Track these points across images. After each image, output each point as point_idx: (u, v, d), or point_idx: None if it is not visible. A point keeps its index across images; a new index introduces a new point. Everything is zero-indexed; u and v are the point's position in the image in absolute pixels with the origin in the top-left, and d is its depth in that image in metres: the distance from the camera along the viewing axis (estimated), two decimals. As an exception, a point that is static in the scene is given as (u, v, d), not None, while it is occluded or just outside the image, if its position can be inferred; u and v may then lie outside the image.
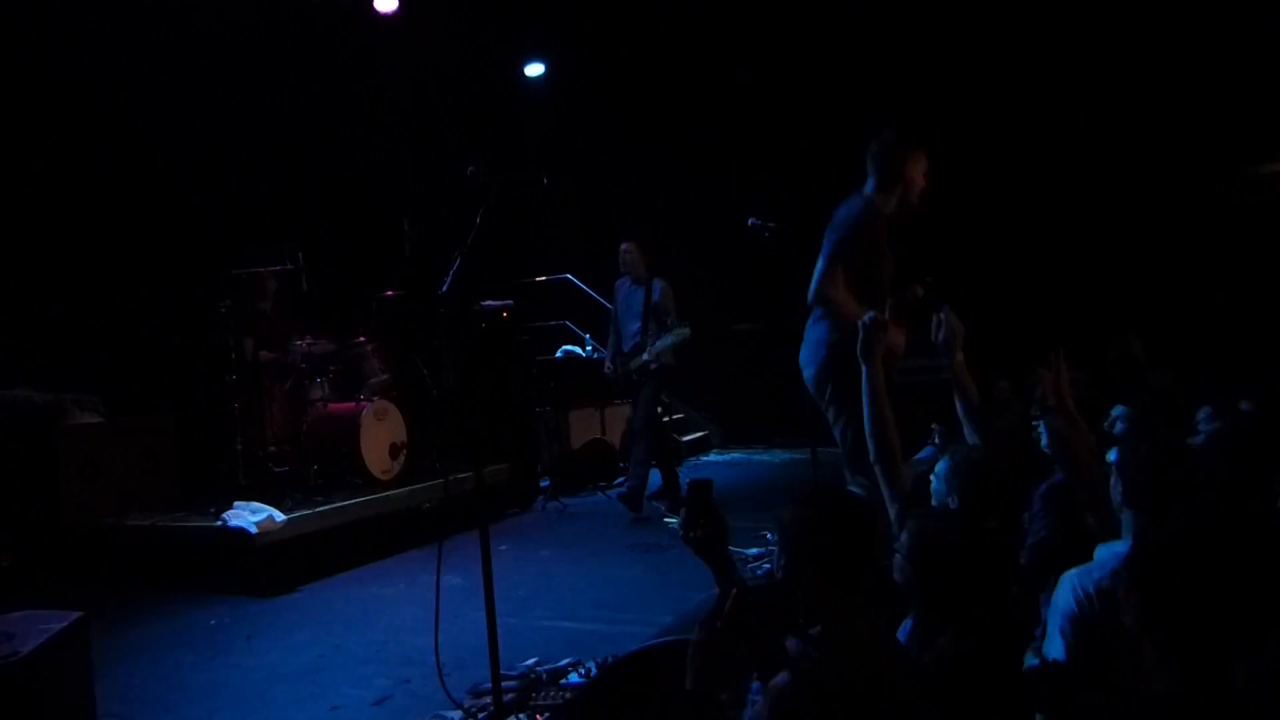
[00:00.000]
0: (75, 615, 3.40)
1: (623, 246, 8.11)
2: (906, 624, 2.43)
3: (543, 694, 3.95)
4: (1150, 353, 6.26)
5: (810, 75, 10.55)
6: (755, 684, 2.14)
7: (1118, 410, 4.12)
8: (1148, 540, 1.84)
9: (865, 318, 3.60)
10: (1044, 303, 8.99)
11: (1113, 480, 2.72)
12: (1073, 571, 2.47)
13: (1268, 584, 1.71)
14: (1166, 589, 1.70)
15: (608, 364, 8.21)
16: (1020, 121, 9.72)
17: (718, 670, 1.94)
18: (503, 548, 6.72)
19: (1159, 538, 1.82)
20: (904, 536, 2.48)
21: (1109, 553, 2.51)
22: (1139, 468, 2.60)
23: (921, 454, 5.52)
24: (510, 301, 8.73)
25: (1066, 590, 2.41)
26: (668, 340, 7.67)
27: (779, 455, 10.67)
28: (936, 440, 5.55)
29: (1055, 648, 2.40)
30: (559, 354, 10.05)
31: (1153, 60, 9.19)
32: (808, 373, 4.88)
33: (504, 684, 3.56)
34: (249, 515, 6.03)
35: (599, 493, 8.76)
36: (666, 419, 11.16)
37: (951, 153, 9.99)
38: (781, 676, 2.09)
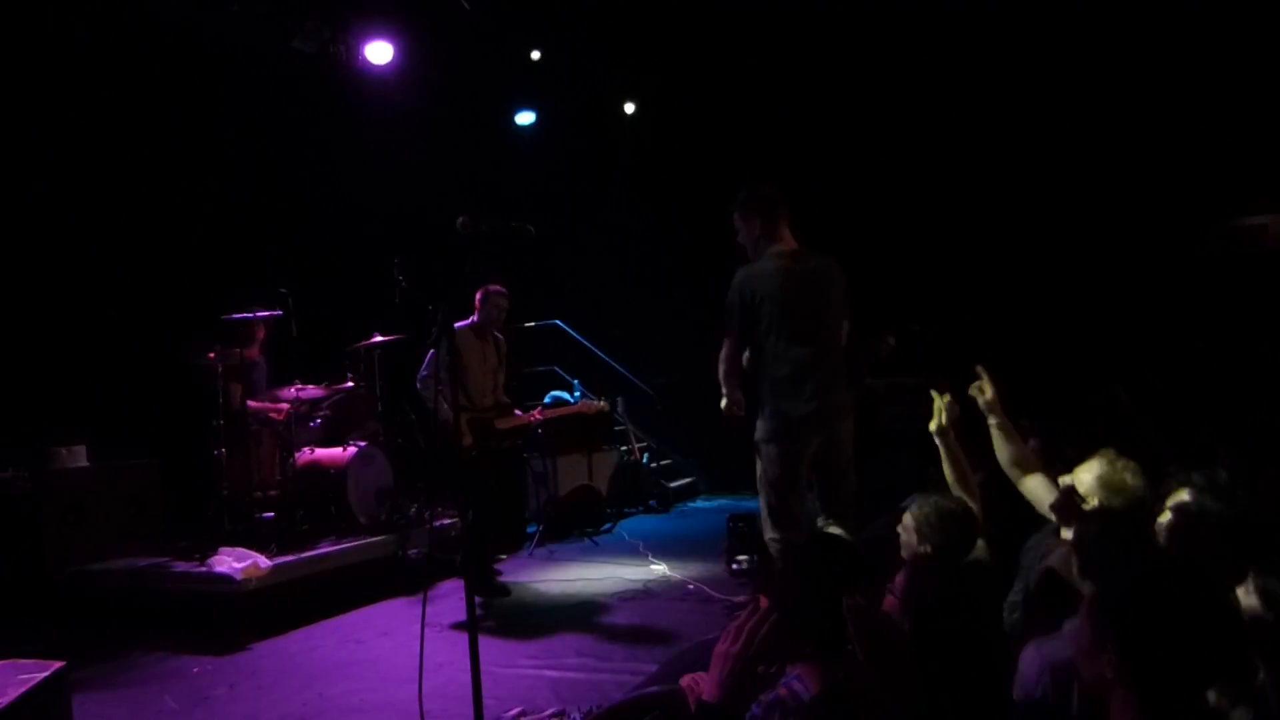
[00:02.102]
0: (56, 665, 3.38)
1: (497, 289, 6.76)
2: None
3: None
4: (1134, 402, 6.31)
5: (801, 125, 10.71)
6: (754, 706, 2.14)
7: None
8: (1111, 592, 1.86)
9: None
10: (1027, 352, 9.05)
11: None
12: (1036, 643, 2.44)
13: (1226, 621, 1.75)
14: (1138, 635, 1.73)
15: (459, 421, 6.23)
16: (1001, 173, 9.86)
17: (738, 682, 1.89)
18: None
19: (1122, 586, 1.84)
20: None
21: (1073, 627, 2.48)
22: (1090, 541, 2.60)
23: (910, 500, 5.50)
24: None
25: (1032, 669, 2.38)
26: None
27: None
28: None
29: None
30: (547, 399, 10.06)
31: (1134, 112, 9.35)
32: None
33: (488, 734, 3.54)
34: (234, 561, 6.01)
35: (586, 539, 8.75)
36: (654, 465, 11.21)
37: (933, 203, 10.17)
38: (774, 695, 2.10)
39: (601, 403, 7.98)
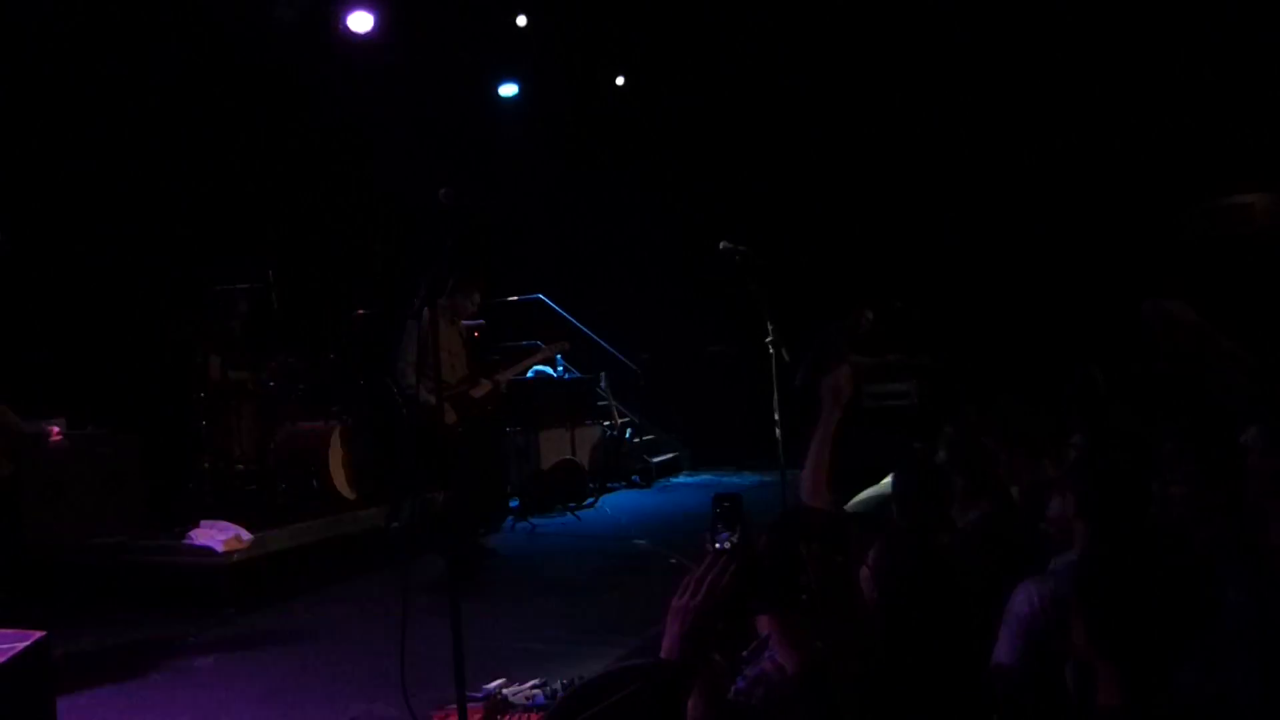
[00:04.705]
0: (37, 635, 3.37)
1: (476, 286, 7.10)
2: None
3: (508, 715, 3.95)
4: (1111, 383, 6.34)
5: (784, 102, 10.68)
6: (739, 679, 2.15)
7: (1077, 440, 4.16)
8: (1092, 557, 1.89)
9: None
10: (1005, 332, 9.09)
11: (1053, 501, 2.80)
12: (1029, 580, 2.54)
13: (1201, 596, 1.76)
14: (1111, 605, 1.74)
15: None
16: (985, 153, 9.87)
17: (695, 637, 1.87)
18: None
19: (1103, 554, 1.86)
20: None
21: (1062, 563, 2.60)
22: (1091, 479, 2.67)
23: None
24: (481, 321, 8.72)
25: (1022, 597, 2.47)
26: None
27: (749, 478, 10.68)
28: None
29: (1005, 652, 2.46)
30: (530, 374, 10.04)
31: (1116, 93, 9.36)
32: None
33: (469, 704, 3.56)
34: (216, 534, 6.00)
35: (568, 513, 8.76)
36: (637, 440, 11.22)
37: (918, 182, 10.18)
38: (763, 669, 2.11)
39: (563, 343, 8.30)
